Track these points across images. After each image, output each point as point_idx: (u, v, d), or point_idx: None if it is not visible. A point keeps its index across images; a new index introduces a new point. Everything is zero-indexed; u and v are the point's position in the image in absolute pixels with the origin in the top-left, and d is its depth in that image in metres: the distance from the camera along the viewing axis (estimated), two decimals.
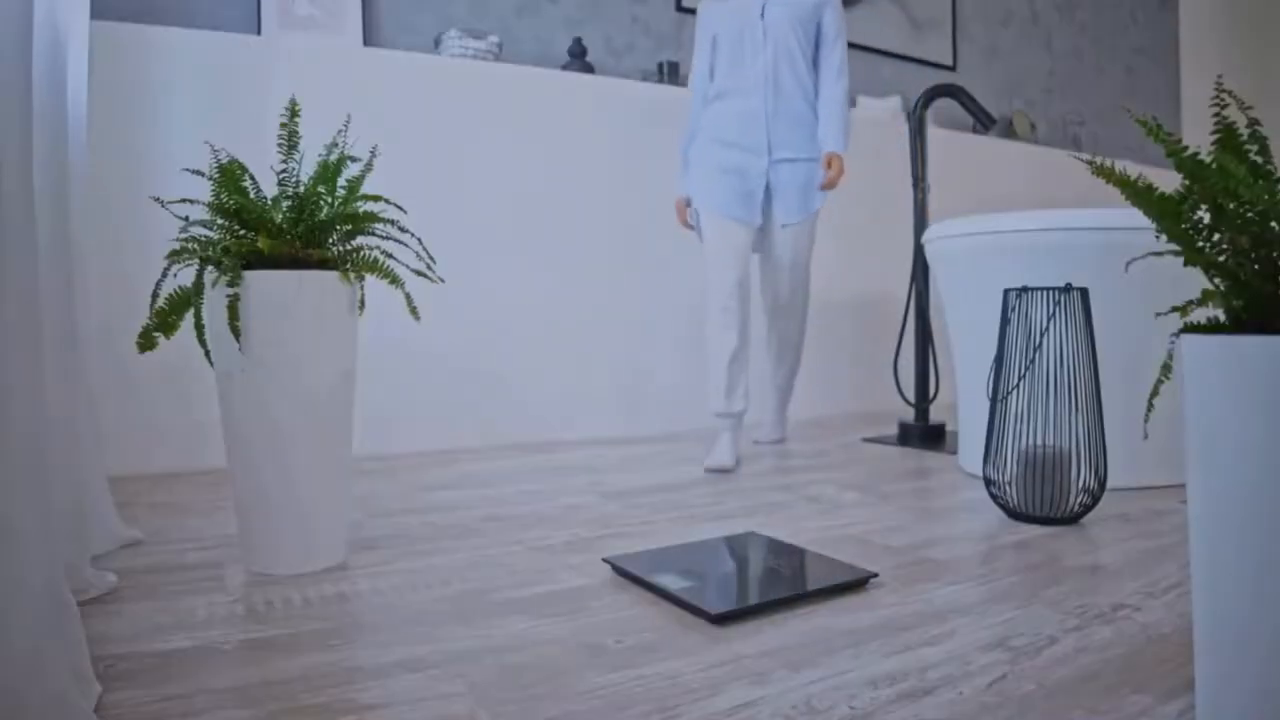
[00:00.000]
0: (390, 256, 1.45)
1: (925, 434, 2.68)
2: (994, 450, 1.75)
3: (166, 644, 1.09)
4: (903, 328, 2.81)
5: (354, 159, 1.46)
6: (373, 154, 1.54)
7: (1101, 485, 1.69)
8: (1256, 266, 0.71)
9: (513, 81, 2.77)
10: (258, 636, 1.11)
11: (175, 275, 1.44)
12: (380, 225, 1.44)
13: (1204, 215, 0.74)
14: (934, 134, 3.77)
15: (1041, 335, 1.71)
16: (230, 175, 1.36)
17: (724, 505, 1.87)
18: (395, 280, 1.44)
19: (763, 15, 2.31)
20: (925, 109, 2.71)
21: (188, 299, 1.36)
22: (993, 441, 1.76)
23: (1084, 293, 1.72)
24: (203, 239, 1.37)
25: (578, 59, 3.02)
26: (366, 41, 2.80)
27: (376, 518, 1.78)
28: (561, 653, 1.06)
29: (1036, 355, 1.71)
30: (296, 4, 2.66)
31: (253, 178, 1.40)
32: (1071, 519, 1.67)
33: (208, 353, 1.41)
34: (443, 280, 1.50)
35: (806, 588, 1.25)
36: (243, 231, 1.37)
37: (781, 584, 1.27)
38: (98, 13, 2.36)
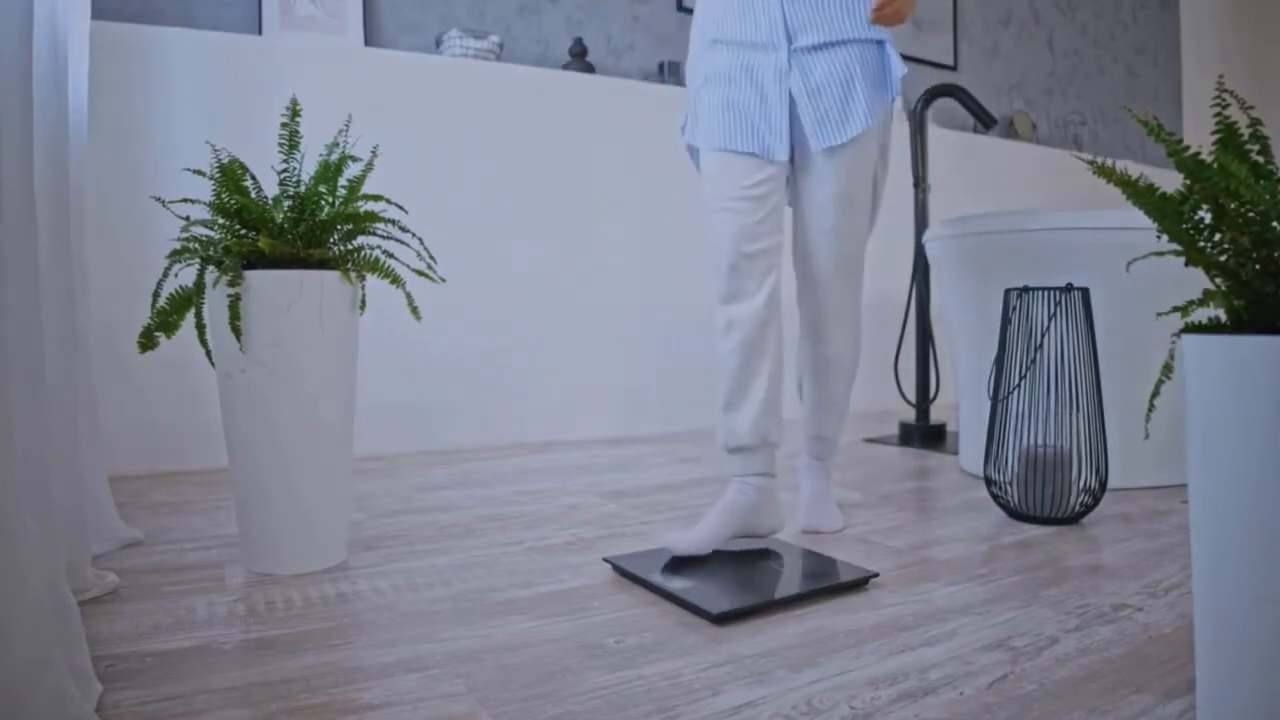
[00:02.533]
0: (391, 256, 1.46)
1: (926, 434, 2.68)
2: (995, 450, 1.75)
3: (167, 644, 1.09)
4: (903, 328, 2.82)
5: (355, 159, 1.46)
6: (374, 154, 1.54)
7: (1102, 485, 1.69)
8: (1258, 266, 0.71)
9: (513, 81, 2.77)
10: (258, 636, 1.11)
11: (176, 275, 1.44)
12: (381, 225, 1.44)
13: (1205, 215, 0.74)
14: (935, 134, 3.77)
15: (1042, 335, 1.71)
16: (231, 175, 1.36)
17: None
18: (396, 280, 1.44)
19: None
20: (926, 109, 2.71)
21: (189, 299, 1.36)
22: (994, 441, 1.76)
23: (1085, 293, 1.72)
24: (204, 239, 1.37)
25: (578, 59, 3.02)
26: (367, 41, 2.80)
27: (377, 518, 1.78)
28: (562, 652, 1.06)
29: (1037, 355, 1.71)
30: (298, 4, 2.66)
31: (254, 177, 1.40)
32: (1072, 519, 1.67)
33: (209, 352, 1.41)
34: (444, 280, 1.50)
35: (807, 588, 1.25)
36: (244, 231, 1.37)
37: (782, 584, 1.27)
38: (98, 12, 2.36)
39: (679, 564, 1.37)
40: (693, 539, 1.40)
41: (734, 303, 1.50)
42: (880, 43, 1.54)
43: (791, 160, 1.59)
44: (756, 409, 1.48)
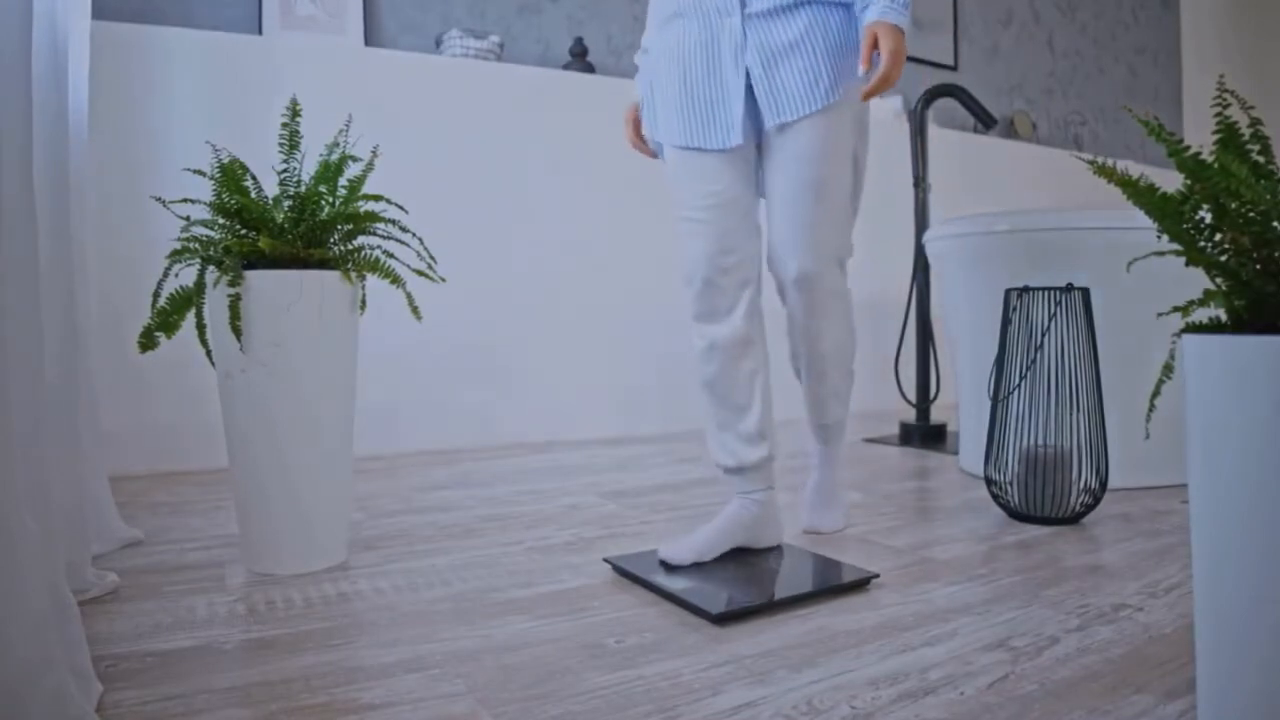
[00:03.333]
0: (391, 256, 1.46)
1: (926, 434, 2.68)
2: (995, 450, 1.75)
3: (167, 643, 1.09)
4: (904, 328, 2.81)
5: (355, 159, 1.46)
6: (374, 154, 1.54)
7: (1103, 485, 1.69)
8: (1258, 266, 0.71)
9: (514, 81, 2.77)
10: (258, 636, 1.11)
11: (177, 275, 1.44)
12: (381, 225, 1.44)
13: (1206, 215, 0.74)
14: (935, 134, 3.77)
15: (1043, 335, 1.71)
16: (231, 175, 1.36)
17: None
18: (396, 280, 1.44)
19: None
20: (926, 109, 2.71)
21: (189, 299, 1.36)
22: (994, 441, 1.76)
23: (1085, 293, 1.72)
24: (204, 239, 1.37)
25: (579, 59, 3.02)
26: (368, 41, 2.80)
27: (377, 517, 1.78)
28: (562, 652, 1.05)
29: (1038, 355, 1.71)
30: (298, 4, 2.66)
31: (254, 177, 1.40)
32: (1073, 519, 1.67)
33: (209, 352, 1.41)
34: (444, 280, 1.50)
35: (807, 588, 1.24)
36: (244, 231, 1.37)
37: (782, 584, 1.27)
38: (99, 13, 2.35)
39: (682, 565, 1.37)
40: (690, 550, 1.38)
41: (711, 321, 1.40)
42: (847, 5, 1.37)
43: (760, 146, 1.44)
44: (752, 431, 1.41)
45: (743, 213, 1.40)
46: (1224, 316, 0.75)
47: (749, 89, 1.37)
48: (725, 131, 1.37)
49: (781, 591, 1.23)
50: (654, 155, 1.58)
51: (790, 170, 1.37)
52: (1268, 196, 0.68)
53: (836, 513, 1.63)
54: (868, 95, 1.27)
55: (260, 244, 1.32)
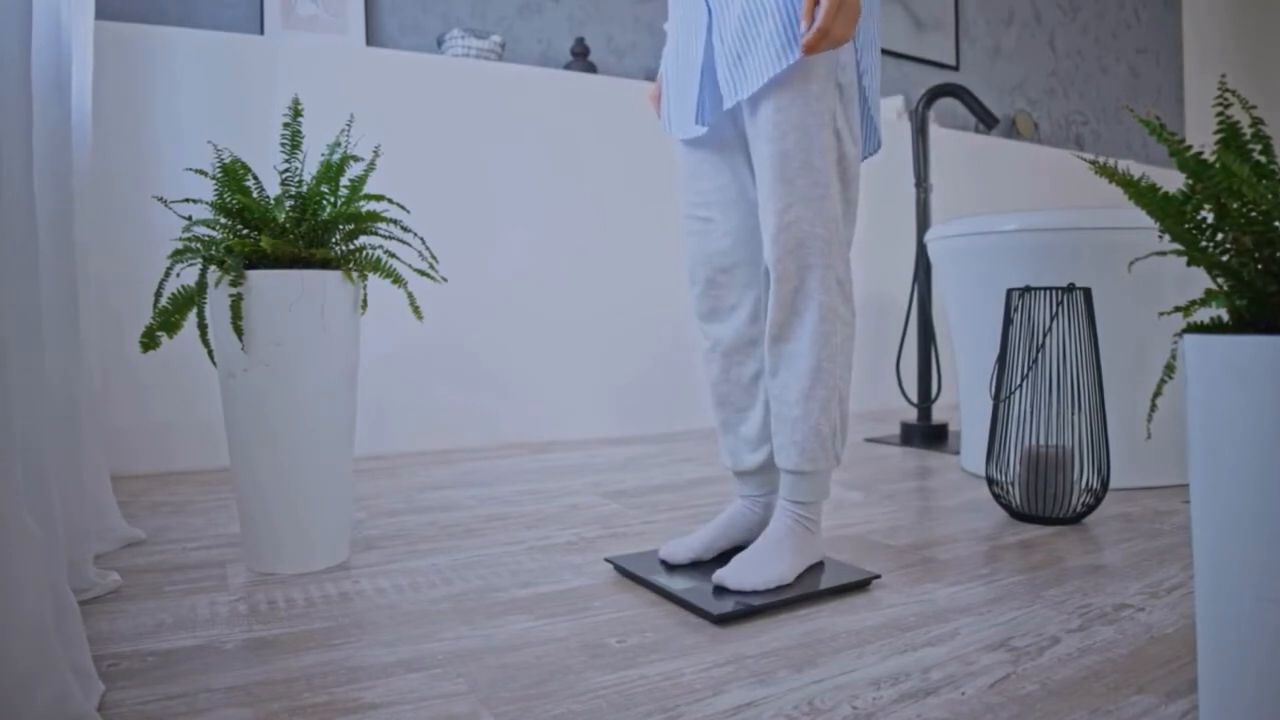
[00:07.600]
0: (393, 256, 1.46)
1: (928, 434, 2.68)
2: (997, 450, 1.75)
3: (169, 643, 1.09)
4: (905, 328, 2.81)
5: (356, 159, 1.46)
6: (375, 154, 1.54)
7: (1104, 485, 1.69)
8: (1260, 266, 0.71)
9: (515, 81, 2.77)
10: (260, 635, 1.11)
11: (178, 275, 1.44)
12: (383, 225, 1.44)
13: (1207, 215, 0.74)
14: (936, 134, 3.77)
15: (1044, 335, 1.71)
16: (233, 175, 1.36)
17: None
18: (398, 280, 1.44)
19: None
20: (928, 109, 2.71)
21: (191, 298, 1.37)
22: (995, 441, 1.76)
23: (1087, 292, 1.72)
24: (206, 238, 1.38)
25: (580, 58, 3.02)
26: (369, 41, 2.80)
27: (378, 517, 1.78)
28: (563, 652, 1.06)
29: (1039, 355, 1.71)
30: (299, 4, 2.66)
31: (256, 177, 1.40)
32: (1074, 519, 1.67)
33: (210, 352, 1.42)
34: (445, 280, 1.51)
35: (808, 589, 1.24)
36: (246, 231, 1.38)
37: (784, 585, 1.27)
38: (101, 12, 2.36)
39: (680, 564, 1.37)
40: (688, 549, 1.37)
41: (713, 321, 1.38)
42: None
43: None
44: (753, 435, 1.39)
45: (744, 212, 1.34)
46: (1225, 316, 0.75)
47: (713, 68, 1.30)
48: (688, 116, 1.32)
49: (783, 592, 1.23)
50: None
51: (759, 152, 1.24)
52: (1269, 196, 0.68)
53: (773, 568, 1.25)
54: (807, 49, 1.14)
55: (262, 244, 1.32)
